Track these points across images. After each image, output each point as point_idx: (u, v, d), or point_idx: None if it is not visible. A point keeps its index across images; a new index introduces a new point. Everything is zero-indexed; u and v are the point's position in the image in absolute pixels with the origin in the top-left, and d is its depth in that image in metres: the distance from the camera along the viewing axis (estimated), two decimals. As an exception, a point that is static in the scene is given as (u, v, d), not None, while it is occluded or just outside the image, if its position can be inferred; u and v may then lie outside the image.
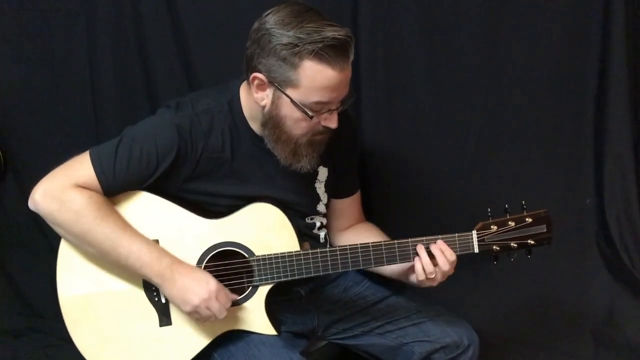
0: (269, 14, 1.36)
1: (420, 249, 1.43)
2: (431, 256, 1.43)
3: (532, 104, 2.16)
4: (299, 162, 1.44)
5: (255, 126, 1.48)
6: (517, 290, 2.19)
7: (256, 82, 1.39)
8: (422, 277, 1.43)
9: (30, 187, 1.41)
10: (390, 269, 1.55)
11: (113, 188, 1.42)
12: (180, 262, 1.42)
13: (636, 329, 2.08)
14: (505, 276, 2.15)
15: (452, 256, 1.43)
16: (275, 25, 1.33)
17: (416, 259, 1.44)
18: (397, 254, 1.45)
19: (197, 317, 1.42)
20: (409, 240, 1.45)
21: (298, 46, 1.30)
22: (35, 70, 2.01)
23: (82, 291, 1.46)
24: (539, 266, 2.02)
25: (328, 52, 1.30)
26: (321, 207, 1.62)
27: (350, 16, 2.01)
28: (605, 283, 2.21)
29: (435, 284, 1.45)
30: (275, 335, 1.46)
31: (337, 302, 1.66)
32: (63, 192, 1.38)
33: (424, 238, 1.45)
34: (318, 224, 1.62)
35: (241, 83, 1.49)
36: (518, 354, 2.02)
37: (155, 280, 1.41)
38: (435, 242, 1.44)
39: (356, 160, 1.69)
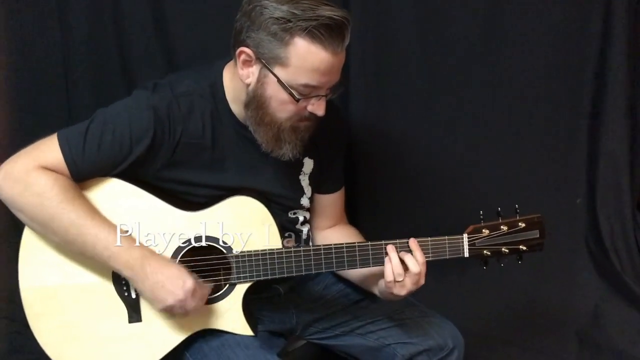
0: None
1: (391, 250, 1.36)
2: (403, 263, 1.36)
3: (524, 101, 2.15)
4: (281, 148, 1.37)
5: (238, 111, 1.41)
6: (503, 290, 2.19)
7: (242, 56, 1.32)
8: (390, 277, 1.35)
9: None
10: (360, 273, 1.49)
11: (82, 173, 1.34)
12: (152, 255, 1.35)
13: (621, 333, 2.09)
14: (491, 276, 2.11)
15: (422, 257, 1.36)
16: None
17: (386, 259, 1.37)
18: (370, 256, 1.38)
19: (169, 314, 1.36)
20: (382, 242, 1.38)
21: (291, 22, 1.24)
22: (4, 49, 1.91)
23: (46, 283, 1.39)
24: (526, 266, 1.94)
25: (322, 32, 1.24)
26: (305, 201, 1.56)
27: (341, 2, 1.95)
28: (593, 285, 2.22)
29: (403, 292, 1.36)
30: (252, 335, 1.41)
31: (317, 300, 1.62)
32: (27, 174, 1.30)
33: (397, 241, 1.38)
34: (301, 219, 1.56)
35: (226, 64, 1.42)
36: (503, 354, 2.03)
37: (125, 273, 1.34)
38: (407, 247, 1.37)
39: (343, 156, 1.63)
